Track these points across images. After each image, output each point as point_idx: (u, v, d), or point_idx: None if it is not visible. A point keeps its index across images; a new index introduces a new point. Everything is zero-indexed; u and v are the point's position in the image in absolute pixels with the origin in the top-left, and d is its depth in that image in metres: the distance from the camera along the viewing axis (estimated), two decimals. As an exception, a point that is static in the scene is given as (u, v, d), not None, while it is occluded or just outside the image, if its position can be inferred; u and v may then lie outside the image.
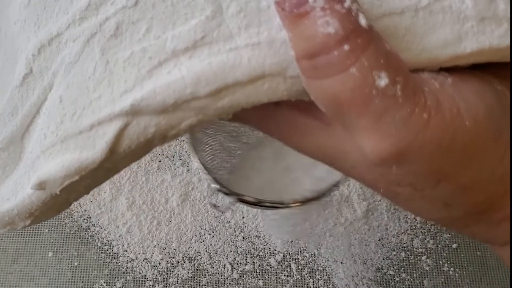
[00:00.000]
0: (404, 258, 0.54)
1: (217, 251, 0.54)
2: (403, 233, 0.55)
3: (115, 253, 0.54)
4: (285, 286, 0.53)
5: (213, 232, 0.54)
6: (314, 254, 0.54)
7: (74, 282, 0.53)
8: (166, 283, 0.53)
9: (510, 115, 0.18)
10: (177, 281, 0.53)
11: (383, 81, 0.16)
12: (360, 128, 0.16)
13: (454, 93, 0.17)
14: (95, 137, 0.18)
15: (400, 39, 0.17)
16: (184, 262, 0.53)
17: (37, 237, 0.54)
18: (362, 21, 0.16)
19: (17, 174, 0.21)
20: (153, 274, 0.53)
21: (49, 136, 0.19)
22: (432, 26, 0.17)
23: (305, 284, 0.53)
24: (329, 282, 0.53)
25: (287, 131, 0.19)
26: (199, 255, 0.54)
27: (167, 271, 0.53)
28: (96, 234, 0.54)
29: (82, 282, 0.53)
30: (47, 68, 0.19)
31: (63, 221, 0.55)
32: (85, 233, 0.55)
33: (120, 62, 0.18)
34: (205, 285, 0.53)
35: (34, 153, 0.19)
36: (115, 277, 0.53)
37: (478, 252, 0.54)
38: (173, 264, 0.53)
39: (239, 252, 0.54)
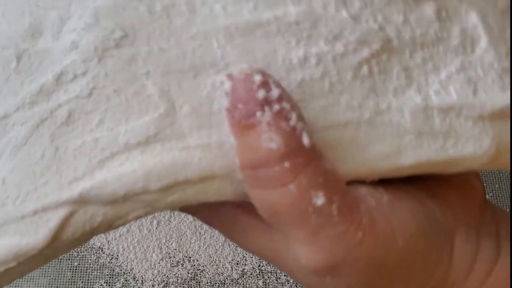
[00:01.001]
0: (404, 258, 0.54)
1: (217, 251, 0.54)
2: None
3: (115, 253, 0.54)
4: (285, 286, 0.53)
5: (213, 232, 0.55)
6: (314, 254, 0.54)
7: (74, 282, 0.53)
8: (166, 283, 0.53)
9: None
10: (177, 281, 0.53)
11: (319, 200, 0.16)
12: (296, 239, 0.17)
13: (389, 212, 0.18)
14: (38, 223, 0.18)
15: (344, 150, 0.18)
16: (184, 262, 0.53)
17: (37, 237, 0.54)
18: (305, 140, 0.16)
19: None
20: (153, 274, 0.53)
21: None
22: (373, 139, 0.18)
23: (305, 284, 0.53)
24: (329, 282, 0.53)
25: (230, 227, 0.20)
26: (199, 255, 0.54)
27: (167, 271, 0.53)
28: (96, 234, 0.55)
29: (82, 282, 0.53)
30: None
31: (63, 221, 0.55)
32: (85, 233, 0.55)
33: (70, 150, 0.18)
34: (205, 285, 0.53)
35: None
36: (115, 277, 0.53)
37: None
38: (173, 264, 0.53)
39: (239, 252, 0.54)
